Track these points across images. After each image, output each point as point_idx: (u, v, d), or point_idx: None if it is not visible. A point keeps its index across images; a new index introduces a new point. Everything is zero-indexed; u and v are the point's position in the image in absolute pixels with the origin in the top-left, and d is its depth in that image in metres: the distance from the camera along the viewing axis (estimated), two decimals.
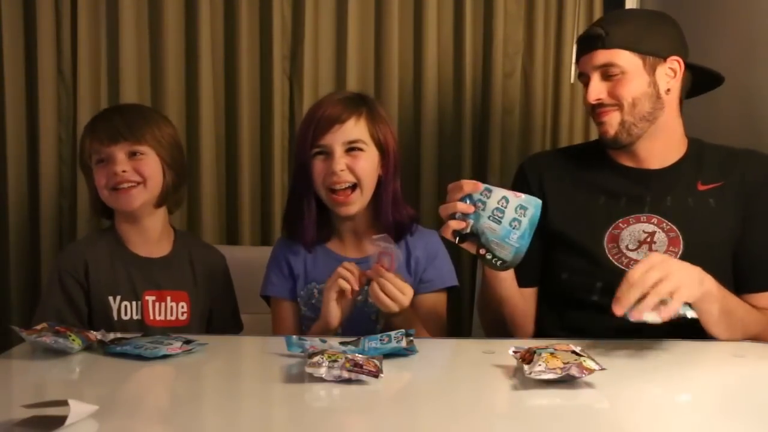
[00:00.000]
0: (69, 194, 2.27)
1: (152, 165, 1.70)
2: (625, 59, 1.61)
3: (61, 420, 0.96)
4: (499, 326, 1.68)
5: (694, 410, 1.15)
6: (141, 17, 2.25)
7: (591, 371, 1.17)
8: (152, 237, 1.77)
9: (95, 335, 1.38)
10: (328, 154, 1.61)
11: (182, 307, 1.75)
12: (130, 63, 2.23)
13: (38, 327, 1.36)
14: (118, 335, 1.43)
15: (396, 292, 1.51)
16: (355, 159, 1.61)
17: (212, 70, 2.27)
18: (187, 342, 1.38)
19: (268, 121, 2.31)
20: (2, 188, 2.25)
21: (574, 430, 1.06)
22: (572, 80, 2.41)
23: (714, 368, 1.33)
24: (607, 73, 1.62)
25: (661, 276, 1.33)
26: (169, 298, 1.74)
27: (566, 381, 1.17)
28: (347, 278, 1.53)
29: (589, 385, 1.18)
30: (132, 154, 1.68)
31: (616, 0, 2.38)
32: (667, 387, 1.25)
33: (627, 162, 1.70)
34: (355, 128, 1.61)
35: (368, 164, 1.63)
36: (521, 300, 1.68)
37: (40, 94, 2.23)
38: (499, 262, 1.40)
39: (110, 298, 1.70)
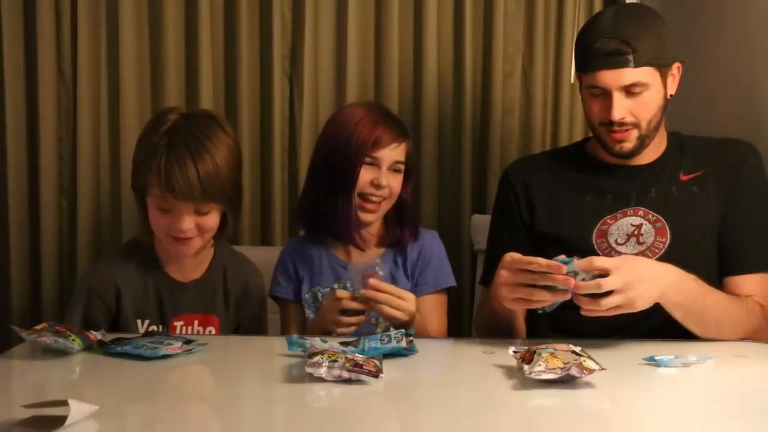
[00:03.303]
0: (69, 194, 2.27)
1: (215, 219, 1.60)
2: (650, 76, 1.58)
3: (61, 420, 0.96)
4: (496, 336, 1.66)
5: (694, 410, 1.15)
6: (141, 17, 2.25)
7: (591, 371, 1.17)
8: (192, 261, 1.68)
9: (95, 335, 1.39)
10: (375, 165, 1.67)
11: (210, 331, 1.68)
12: (130, 63, 2.23)
13: (38, 327, 1.36)
14: (119, 335, 1.43)
15: (398, 301, 1.53)
16: (394, 178, 1.70)
17: (212, 70, 2.27)
18: (187, 342, 1.38)
19: (268, 121, 2.31)
20: (2, 188, 2.25)
21: (574, 430, 1.06)
22: (572, 80, 2.41)
23: (714, 368, 1.33)
24: (630, 90, 1.58)
25: (621, 287, 1.34)
26: (196, 322, 1.67)
27: (566, 381, 1.17)
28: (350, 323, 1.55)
29: (589, 385, 1.18)
30: (198, 211, 1.57)
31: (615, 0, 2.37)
32: (667, 387, 1.25)
33: (614, 161, 1.69)
34: (402, 151, 1.71)
35: (400, 184, 1.72)
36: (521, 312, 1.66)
37: (40, 94, 2.23)
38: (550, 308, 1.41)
39: (138, 321, 1.64)
